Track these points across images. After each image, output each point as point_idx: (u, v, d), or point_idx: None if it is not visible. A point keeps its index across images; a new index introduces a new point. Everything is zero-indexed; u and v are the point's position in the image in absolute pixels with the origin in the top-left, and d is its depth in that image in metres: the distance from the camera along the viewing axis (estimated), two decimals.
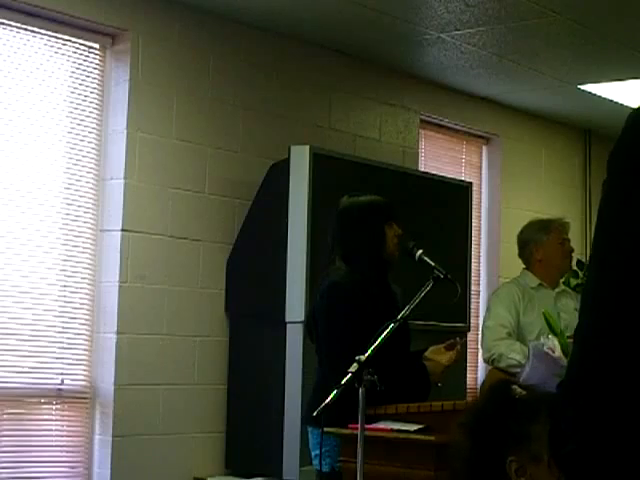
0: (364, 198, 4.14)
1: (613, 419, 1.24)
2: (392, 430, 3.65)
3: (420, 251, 3.96)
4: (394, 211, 4.14)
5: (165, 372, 5.48)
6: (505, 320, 5.19)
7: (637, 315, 1.23)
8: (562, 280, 5.57)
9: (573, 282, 6.73)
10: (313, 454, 4.02)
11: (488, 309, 5.42)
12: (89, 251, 5.34)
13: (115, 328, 5.28)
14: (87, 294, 5.32)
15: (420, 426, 3.64)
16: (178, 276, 5.56)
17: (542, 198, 7.91)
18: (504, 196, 7.70)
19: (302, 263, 5.42)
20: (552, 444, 1.33)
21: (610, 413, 1.24)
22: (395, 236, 4.09)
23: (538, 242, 5.30)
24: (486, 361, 5.35)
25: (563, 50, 6.33)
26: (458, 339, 4.13)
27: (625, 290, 1.24)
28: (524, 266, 5.41)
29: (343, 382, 3.34)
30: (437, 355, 4.05)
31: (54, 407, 5.21)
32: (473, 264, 6.95)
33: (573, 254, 5.49)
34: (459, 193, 6.54)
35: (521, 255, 5.42)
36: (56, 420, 5.21)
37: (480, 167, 7.73)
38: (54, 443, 5.19)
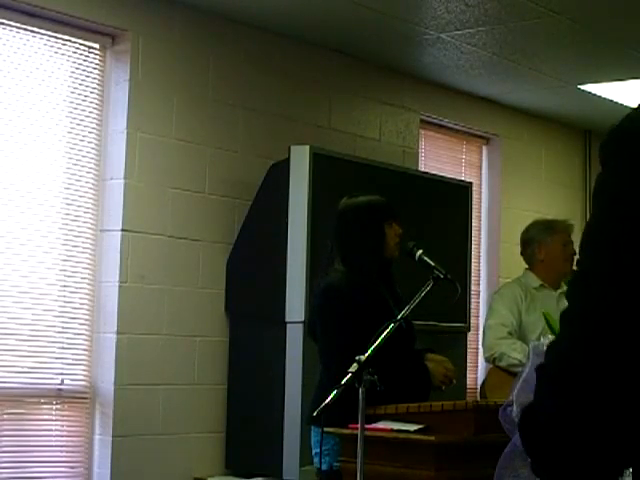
0: (363, 198, 4.14)
1: (599, 400, 1.23)
2: (392, 430, 3.65)
3: (420, 251, 3.96)
4: (394, 211, 4.15)
5: (165, 372, 5.48)
6: (506, 319, 5.20)
7: (627, 297, 1.23)
8: (563, 281, 5.57)
9: None
10: (313, 452, 4.05)
11: (490, 308, 5.44)
12: (89, 251, 5.34)
13: (115, 328, 5.28)
14: (87, 294, 5.32)
15: (420, 426, 3.64)
16: (178, 276, 5.56)
17: (542, 198, 7.91)
18: (504, 196, 7.69)
19: (302, 263, 5.42)
20: (524, 433, 1.31)
21: (597, 394, 1.23)
22: (396, 235, 4.09)
23: (542, 242, 5.30)
24: (487, 360, 5.38)
25: (563, 50, 6.32)
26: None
27: (614, 276, 1.24)
28: (526, 266, 5.42)
29: (343, 382, 3.34)
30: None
31: (54, 407, 5.20)
32: (473, 264, 6.95)
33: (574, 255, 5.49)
34: (459, 193, 6.53)
35: (523, 254, 5.42)
36: (56, 420, 5.21)
37: (480, 167, 7.73)
38: (54, 443, 5.19)
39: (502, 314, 5.24)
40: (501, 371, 5.15)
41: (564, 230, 5.36)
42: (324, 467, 3.88)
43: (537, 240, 5.32)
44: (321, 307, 4.07)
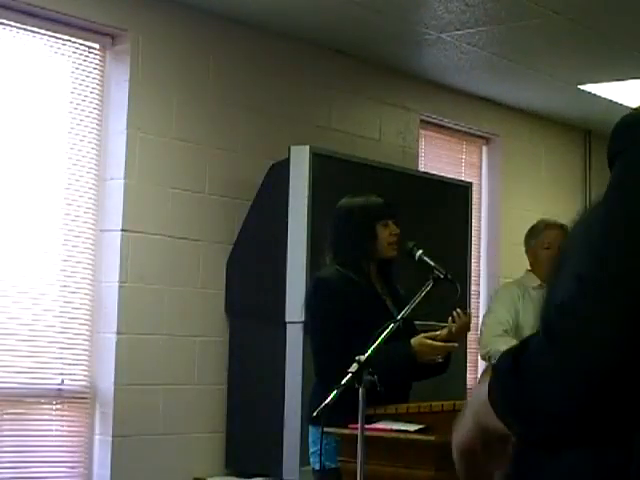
0: (359, 198, 4.13)
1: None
2: (392, 430, 3.65)
3: (420, 251, 3.95)
4: (391, 210, 4.13)
5: (165, 372, 5.47)
6: (503, 318, 5.28)
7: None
8: None
9: None
10: (310, 451, 4.04)
11: (488, 308, 5.54)
12: (89, 251, 5.33)
13: (115, 328, 5.28)
14: (87, 294, 5.32)
15: (420, 426, 3.64)
16: (178, 276, 5.56)
17: (542, 198, 7.91)
18: (504, 196, 7.69)
19: (302, 263, 5.42)
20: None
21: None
22: (392, 235, 4.07)
23: (528, 247, 5.45)
24: (482, 357, 5.46)
25: (563, 50, 6.33)
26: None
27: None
28: (528, 267, 5.51)
29: (343, 382, 3.34)
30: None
31: (54, 407, 5.20)
32: (473, 264, 6.95)
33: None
34: (459, 193, 6.54)
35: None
36: (56, 420, 5.21)
37: (480, 167, 7.73)
38: (54, 443, 5.19)
39: (499, 313, 5.33)
40: None
41: (544, 232, 5.41)
42: (317, 467, 3.89)
43: (526, 244, 5.50)
44: (310, 300, 4.07)
